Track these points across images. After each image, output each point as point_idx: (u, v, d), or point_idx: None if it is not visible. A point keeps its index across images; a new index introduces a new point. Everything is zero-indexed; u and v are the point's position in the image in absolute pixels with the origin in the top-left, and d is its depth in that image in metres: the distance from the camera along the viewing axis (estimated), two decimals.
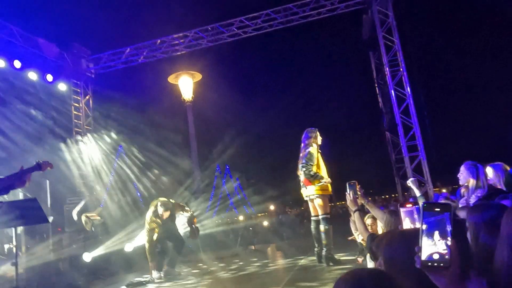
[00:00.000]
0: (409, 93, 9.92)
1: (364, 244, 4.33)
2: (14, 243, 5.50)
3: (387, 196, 21.25)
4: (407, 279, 1.33)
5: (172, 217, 7.21)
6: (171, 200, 7.40)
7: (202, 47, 11.51)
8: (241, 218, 17.34)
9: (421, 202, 4.36)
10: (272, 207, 18.12)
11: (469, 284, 1.14)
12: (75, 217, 9.29)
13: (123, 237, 8.38)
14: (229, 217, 18.15)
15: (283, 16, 10.75)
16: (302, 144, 6.34)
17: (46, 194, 8.35)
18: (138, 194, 13.09)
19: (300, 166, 6.20)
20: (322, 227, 6.03)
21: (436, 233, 1.09)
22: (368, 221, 4.29)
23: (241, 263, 7.91)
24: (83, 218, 9.03)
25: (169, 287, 6.24)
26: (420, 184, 8.25)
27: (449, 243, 1.08)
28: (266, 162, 24.74)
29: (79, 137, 11.81)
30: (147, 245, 6.83)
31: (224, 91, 17.36)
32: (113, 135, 12.46)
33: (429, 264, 1.09)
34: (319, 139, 6.39)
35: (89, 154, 11.78)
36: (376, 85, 12.02)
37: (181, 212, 7.68)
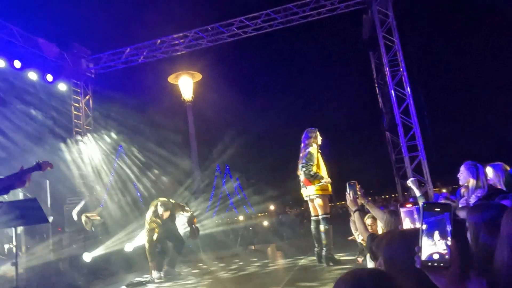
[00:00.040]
0: (409, 93, 9.92)
1: (364, 244, 4.33)
2: (14, 243, 5.50)
3: (387, 196, 21.26)
4: (407, 279, 1.33)
5: (172, 217, 7.21)
6: (171, 200, 7.40)
7: (202, 47, 11.51)
8: (241, 218, 17.33)
9: (421, 202, 4.36)
10: (272, 207, 18.12)
11: (469, 284, 1.14)
12: (75, 217, 9.29)
13: (123, 237, 8.39)
14: (229, 217, 18.15)
15: (283, 16, 10.75)
16: (302, 144, 6.34)
17: (46, 194, 8.35)
18: (138, 194, 13.09)
19: (300, 166, 6.20)
20: (322, 227, 6.03)
21: (436, 233, 1.09)
22: (368, 221, 4.29)
23: (241, 263, 7.91)
24: (83, 218, 9.03)
25: (169, 287, 6.24)
26: (420, 184, 8.25)
27: (449, 243, 1.08)
28: (266, 162, 24.76)
29: (79, 137, 11.81)
30: (147, 245, 6.83)
31: (224, 91, 17.38)
32: (113, 135, 12.46)
33: (429, 264, 1.09)
34: (319, 139, 6.39)
35: (89, 154, 11.78)
36: (376, 85, 12.02)
37: (181, 212, 7.68)
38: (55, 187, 8.86)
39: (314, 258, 6.33)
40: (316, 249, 6.23)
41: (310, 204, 6.34)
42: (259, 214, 20.26)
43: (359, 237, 4.95)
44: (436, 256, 1.08)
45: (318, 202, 6.11)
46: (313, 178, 6.06)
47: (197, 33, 11.29)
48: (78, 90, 12.14)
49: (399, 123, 9.87)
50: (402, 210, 2.14)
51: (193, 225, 8.04)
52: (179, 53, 11.71)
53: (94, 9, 15.68)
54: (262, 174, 24.86)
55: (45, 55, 10.80)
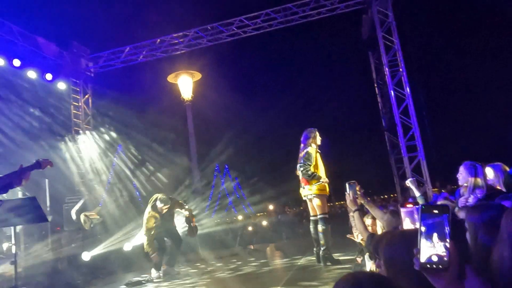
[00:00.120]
0: (409, 93, 9.91)
1: (363, 244, 4.34)
2: (13, 242, 5.50)
3: (386, 196, 21.25)
4: (407, 279, 1.33)
5: (171, 215, 7.21)
6: (170, 196, 7.41)
7: (202, 46, 11.50)
8: (240, 217, 17.33)
9: (420, 202, 4.37)
10: (271, 207, 18.13)
11: (468, 285, 1.14)
12: (74, 216, 9.28)
13: (122, 236, 8.39)
14: (228, 216, 18.16)
15: (283, 16, 10.75)
16: (302, 145, 6.34)
17: (45, 193, 8.34)
18: (137, 193, 13.09)
19: (298, 166, 6.22)
20: (319, 227, 6.04)
21: (435, 235, 1.09)
22: (368, 221, 4.29)
23: (240, 262, 7.91)
24: (82, 217, 9.03)
25: (168, 286, 6.24)
26: (419, 184, 8.25)
27: (448, 245, 1.08)
28: (266, 162, 24.73)
29: (78, 136, 11.80)
30: (146, 241, 6.81)
31: (223, 91, 17.35)
32: (112, 134, 12.45)
33: (428, 266, 1.09)
34: (319, 139, 6.39)
35: (88, 153, 11.77)
36: (375, 85, 12.01)
37: (180, 210, 7.67)
38: (54, 186, 8.86)
39: (313, 258, 6.34)
40: (315, 249, 6.24)
41: (309, 204, 6.35)
42: (258, 214, 20.25)
43: (358, 236, 4.95)
44: (435, 258, 1.08)
45: (316, 202, 6.11)
46: (311, 178, 6.06)
47: (196, 33, 11.28)
48: (78, 89, 12.12)
49: (398, 123, 9.87)
50: (402, 210, 2.15)
51: (191, 223, 8.04)
52: (178, 52, 11.70)
53: (94, 8, 15.65)
54: (261, 173, 24.84)
55: (44, 54, 10.78)
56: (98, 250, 8.09)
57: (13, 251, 5.27)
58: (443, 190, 10.41)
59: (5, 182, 3.49)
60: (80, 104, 12.16)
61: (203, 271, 7.29)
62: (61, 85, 11.22)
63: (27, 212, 5.01)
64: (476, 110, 19.53)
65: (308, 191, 6.14)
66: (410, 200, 6.19)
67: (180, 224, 7.94)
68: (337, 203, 19.49)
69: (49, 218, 7.66)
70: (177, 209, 7.51)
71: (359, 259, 5.17)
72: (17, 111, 9.85)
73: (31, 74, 10.15)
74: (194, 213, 8.26)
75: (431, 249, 1.09)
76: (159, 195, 7.05)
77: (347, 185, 3.35)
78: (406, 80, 9.98)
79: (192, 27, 11.32)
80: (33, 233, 8.10)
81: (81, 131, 11.93)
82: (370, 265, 3.69)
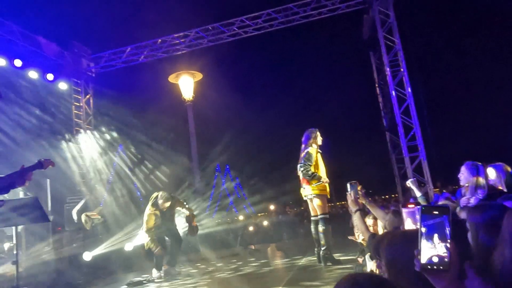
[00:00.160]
0: (410, 93, 9.91)
1: (364, 244, 4.33)
2: (15, 242, 5.51)
3: (387, 196, 21.22)
4: (408, 279, 1.33)
5: (172, 215, 7.22)
6: (172, 194, 7.41)
7: (203, 46, 11.50)
8: (241, 217, 17.33)
9: (422, 202, 4.36)
10: (272, 207, 18.12)
11: (468, 285, 1.14)
12: (75, 216, 9.29)
13: (123, 236, 8.39)
14: (229, 216, 18.15)
15: (284, 16, 10.74)
16: (303, 145, 6.34)
17: (46, 193, 8.35)
18: (138, 193, 13.10)
19: (298, 166, 6.22)
20: (320, 227, 6.04)
21: (436, 236, 1.09)
22: (369, 221, 4.28)
23: (240, 262, 7.91)
24: (83, 217, 9.04)
25: (169, 286, 6.24)
26: (420, 185, 8.24)
27: (448, 246, 1.08)
28: (266, 162, 24.69)
29: (79, 136, 11.81)
30: (148, 238, 6.81)
31: (224, 91, 17.34)
32: (114, 134, 12.47)
33: (429, 267, 1.09)
34: (319, 139, 6.39)
35: (90, 153, 11.79)
36: (376, 85, 12.00)
37: (181, 209, 7.67)
38: (55, 186, 8.87)
39: (314, 258, 6.34)
40: (316, 249, 6.24)
41: (309, 204, 6.35)
42: (259, 214, 20.24)
43: (359, 237, 4.95)
44: (435, 259, 1.08)
45: (316, 202, 6.11)
46: (311, 178, 6.06)
47: (197, 33, 11.28)
48: (79, 89, 12.13)
49: (399, 123, 9.87)
50: (404, 210, 2.14)
51: (192, 223, 8.04)
52: (179, 52, 11.70)
53: (95, 8, 15.65)
54: (262, 173, 24.83)
55: (45, 54, 10.79)
56: (99, 250, 8.09)
57: (15, 251, 5.28)
58: (444, 190, 10.40)
59: (6, 183, 3.50)
60: (81, 104, 12.17)
61: (204, 271, 7.30)
62: (62, 85, 11.23)
63: (28, 212, 5.02)
64: (477, 110, 19.53)
65: (308, 191, 6.14)
66: (412, 200, 6.19)
67: (180, 223, 7.93)
68: (338, 203, 19.46)
69: (51, 218, 7.67)
70: (178, 208, 7.52)
71: (360, 259, 5.17)
72: (18, 110, 9.85)
73: (33, 74, 10.17)
74: (195, 213, 8.26)
75: (432, 250, 1.09)
76: (160, 192, 7.06)
77: (348, 185, 3.35)
78: (407, 80, 9.97)
79: (193, 27, 11.32)
80: (35, 233, 8.10)
81: (82, 131, 11.95)
82: (371, 266, 3.69)
